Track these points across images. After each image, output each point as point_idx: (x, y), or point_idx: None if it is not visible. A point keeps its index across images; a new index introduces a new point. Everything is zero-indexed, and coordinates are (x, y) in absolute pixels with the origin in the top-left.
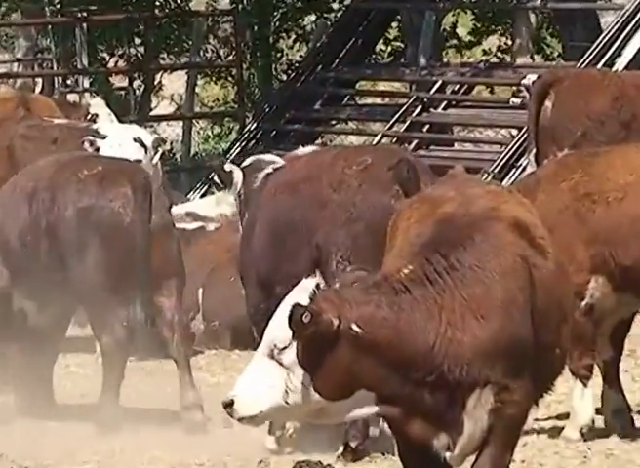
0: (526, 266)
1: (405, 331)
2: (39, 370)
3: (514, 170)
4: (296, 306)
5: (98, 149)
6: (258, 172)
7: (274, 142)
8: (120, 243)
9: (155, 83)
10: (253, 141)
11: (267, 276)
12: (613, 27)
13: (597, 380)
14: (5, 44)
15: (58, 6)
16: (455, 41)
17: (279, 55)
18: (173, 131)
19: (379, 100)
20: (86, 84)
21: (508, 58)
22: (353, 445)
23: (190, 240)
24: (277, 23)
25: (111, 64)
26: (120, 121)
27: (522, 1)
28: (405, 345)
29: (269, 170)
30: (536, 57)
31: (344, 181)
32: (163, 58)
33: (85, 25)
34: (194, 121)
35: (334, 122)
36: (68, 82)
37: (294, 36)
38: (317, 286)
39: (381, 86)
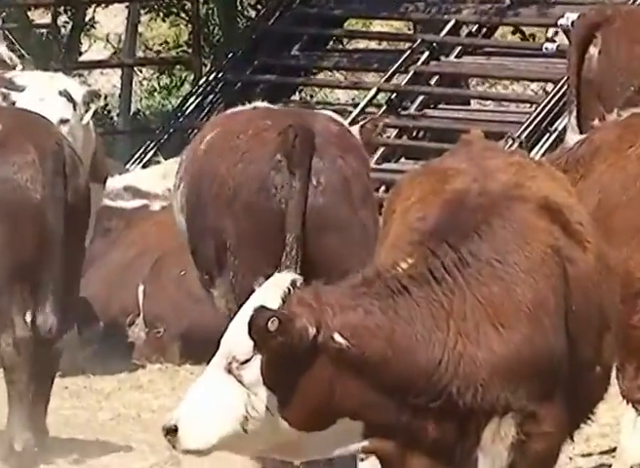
0: (559, 260)
1: (402, 344)
2: None
3: (547, 135)
4: (260, 309)
5: (13, 104)
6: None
7: (239, 97)
8: (26, 226)
9: (86, 19)
10: (211, 96)
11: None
12: None
13: None
14: None
15: None
16: None
17: None
18: (108, 81)
19: (374, 45)
20: None
21: None
22: None
23: (130, 222)
24: None
25: None
26: (41, 68)
27: None
28: (402, 362)
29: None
30: None
31: (232, 149)
32: None
33: None
34: (136, 69)
35: (315, 72)
36: None
37: None
38: (293, 283)
39: (378, 26)
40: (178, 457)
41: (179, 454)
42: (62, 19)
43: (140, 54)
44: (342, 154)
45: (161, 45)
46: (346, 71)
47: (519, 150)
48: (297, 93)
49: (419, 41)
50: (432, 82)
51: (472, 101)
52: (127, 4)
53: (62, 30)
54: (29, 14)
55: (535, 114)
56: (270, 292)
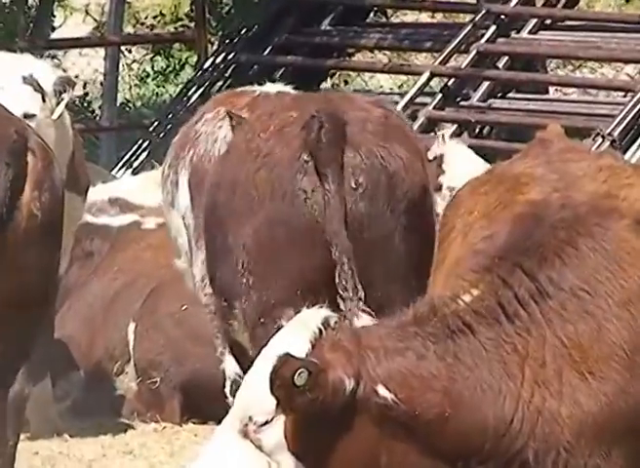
0: None
1: (464, 398)
2: None
3: None
4: (284, 357)
5: None
6: None
7: (255, 83)
8: None
9: None
10: (220, 83)
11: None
12: None
13: None
14: None
15: None
16: None
17: None
18: (89, 65)
19: (426, 17)
20: None
21: None
22: None
23: (116, 243)
24: None
25: None
26: (3, 48)
27: None
28: (464, 420)
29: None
30: None
31: (252, 150)
32: None
33: None
34: (124, 49)
35: (352, 51)
36: None
37: None
38: (325, 321)
39: None
40: None
41: None
42: None
43: (128, 29)
44: (384, 143)
45: (155, 18)
46: (391, 51)
47: (610, 151)
48: (327, 79)
49: (483, 12)
50: (500, 64)
51: (551, 89)
52: None
53: (30, 0)
54: None
55: (630, 105)
56: (297, 333)
